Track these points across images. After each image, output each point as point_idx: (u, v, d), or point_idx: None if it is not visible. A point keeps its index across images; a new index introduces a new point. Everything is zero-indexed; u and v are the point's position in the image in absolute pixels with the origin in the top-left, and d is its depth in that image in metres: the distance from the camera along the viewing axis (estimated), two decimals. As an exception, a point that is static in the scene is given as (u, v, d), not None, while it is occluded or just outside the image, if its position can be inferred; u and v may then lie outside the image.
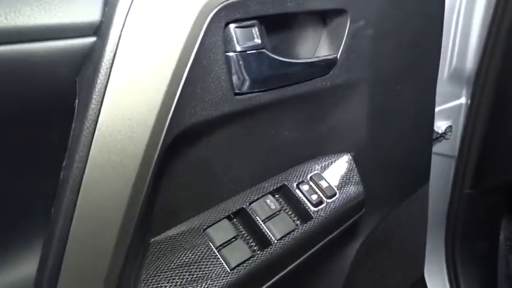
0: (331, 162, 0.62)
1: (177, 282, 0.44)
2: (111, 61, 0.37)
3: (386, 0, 0.59)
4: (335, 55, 0.55)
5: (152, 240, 0.46)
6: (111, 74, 0.38)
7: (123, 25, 0.38)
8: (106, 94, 0.38)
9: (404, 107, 0.67)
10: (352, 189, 0.61)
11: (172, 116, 0.40)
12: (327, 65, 0.55)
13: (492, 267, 1.05)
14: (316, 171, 0.59)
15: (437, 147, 0.93)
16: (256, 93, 0.47)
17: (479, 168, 0.93)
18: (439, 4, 0.67)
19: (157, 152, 0.40)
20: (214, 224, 0.49)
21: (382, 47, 0.60)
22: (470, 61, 0.86)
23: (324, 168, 0.60)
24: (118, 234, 0.39)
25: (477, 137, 0.91)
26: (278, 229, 0.51)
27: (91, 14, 0.37)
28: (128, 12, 0.38)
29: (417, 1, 0.63)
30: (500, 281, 1.04)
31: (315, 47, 0.57)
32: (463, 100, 0.92)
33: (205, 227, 0.49)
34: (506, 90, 0.85)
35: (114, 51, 0.37)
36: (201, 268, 0.46)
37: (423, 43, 0.67)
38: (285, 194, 0.55)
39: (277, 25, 0.52)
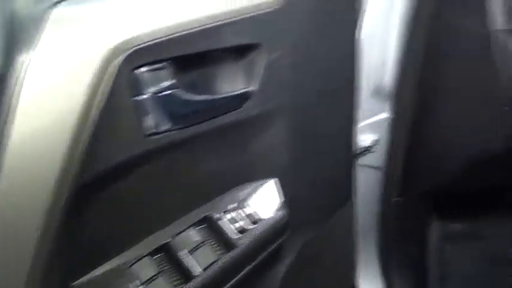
0: (256, 189, 0.64)
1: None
2: (12, 111, 0.38)
3: (300, 32, 0.62)
4: (252, 88, 0.58)
5: (73, 284, 0.46)
6: (14, 125, 0.38)
7: (24, 74, 0.38)
8: (8, 145, 0.38)
9: (324, 129, 0.71)
10: (277, 213, 0.63)
11: (81, 162, 0.41)
12: (244, 98, 0.57)
13: (425, 271, 1.11)
14: (241, 199, 0.61)
15: (364, 160, 0.97)
16: (170, 133, 0.49)
17: (405, 177, 0.99)
18: (352, 30, 0.71)
19: (65, 199, 0.40)
20: (137, 261, 0.50)
21: (299, 76, 0.63)
22: (390, 78, 0.92)
23: (248, 195, 0.62)
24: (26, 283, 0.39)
25: (401, 148, 0.96)
26: (201, 261, 0.52)
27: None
28: (29, 61, 0.39)
29: (331, 30, 0.67)
30: (432, 282, 1.10)
31: (233, 80, 0.59)
32: (386, 114, 0.97)
33: (128, 265, 0.49)
34: (423, 104, 0.91)
35: (15, 102, 0.38)
36: (124, 308, 0.47)
37: (340, 68, 0.71)
38: (209, 224, 0.56)
39: (193, 62, 0.54)
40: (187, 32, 0.50)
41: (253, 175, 0.64)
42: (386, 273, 1.04)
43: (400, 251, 1.07)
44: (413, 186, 1.01)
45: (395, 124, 0.95)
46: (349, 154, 0.80)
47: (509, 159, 0.81)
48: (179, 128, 0.50)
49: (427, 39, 0.82)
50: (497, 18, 0.70)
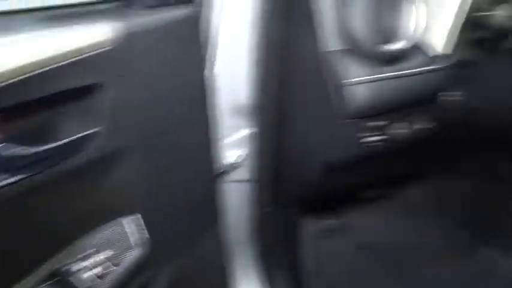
0: (117, 228, 0.62)
1: None
2: None
3: (143, 68, 0.62)
4: (97, 128, 0.56)
5: None
6: None
7: None
8: None
9: (182, 157, 0.72)
10: (140, 250, 0.63)
11: None
12: (89, 140, 0.55)
13: (303, 268, 1.19)
14: (101, 241, 0.60)
15: (233, 175, 1.01)
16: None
17: (275, 186, 1.04)
18: (200, 59, 0.73)
19: None
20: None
21: (146, 112, 0.63)
22: (251, 96, 0.96)
23: (108, 237, 0.61)
24: None
25: (267, 160, 1.01)
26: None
27: None
28: None
29: (177, 62, 0.67)
30: (309, 277, 1.18)
31: (76, 123, 0.56)
32: (251, 129, 1.01)
33: None
34: (282, 119, 0.96)
35: None
36: None
37: (192, 96, 0.72)
38: (62, 277, 0.54)
39: (25, 111, 0.50)
40: (12, 81, 0.47)
41: (113, 214, 0.63)
42: (268, 279, 1.09)
43: (278, 255, 1.12)
44: (283, 194, 1.07)
45: (260, 138, 0.99)
46: (213, 175, 0.82)
47: (355, 165, 0.90)
48: (9, 184, 0.46)
49: (280, 60, 0.88)
50: (329, 40, 0.77)
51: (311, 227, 1.25)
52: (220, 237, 0.85)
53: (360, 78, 0.77)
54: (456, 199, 1.39)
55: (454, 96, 0.87)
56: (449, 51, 0.82)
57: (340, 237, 1.31)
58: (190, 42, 0.70)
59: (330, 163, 0.90)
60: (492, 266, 1.21)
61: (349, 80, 0.77)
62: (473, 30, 0.80)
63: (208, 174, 0.80)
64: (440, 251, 1.29)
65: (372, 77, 0.77)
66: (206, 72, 0.74)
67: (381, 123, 0.82)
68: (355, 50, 0.77)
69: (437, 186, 1.41)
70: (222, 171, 0.94)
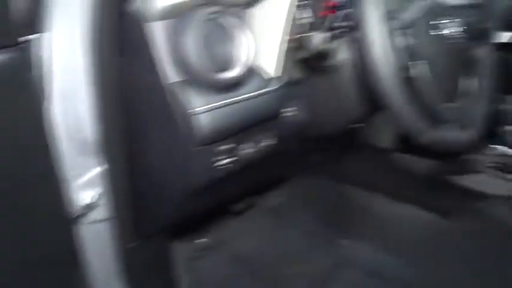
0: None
1: None
2: None
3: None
4: None
5: None
6: None
7: None
8: None
9: (29, 211, 0.67)
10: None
11: None
12: None
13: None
14: None
15: (91, 216, 0.96)
16: None
17: (136, 221, 1.02)
18: (34, 101, 0.68)
19: None
20: None
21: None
22: (95, 133, 0.92)
23: None
24: None
25: (123, 196, 0.98)
26: None
27: None
28: None
29: (5, 113, 0.62)
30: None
31: None
32: (102, 167, 0.97)
33: None
34: (132, 152, 0.94)
35: None
36: None
37: (30, 143, 0.68)
38: None
39: None
40: None
41: None
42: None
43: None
44: (145, 226, 1.05)
45: (111, 174, 0.96)
46: (67, 220, 0.77)
47: (214, 186, 0.93)
48: None
49: (121, 93, 0.86)
50: (168, 71, 0.79)
51: (183, 250, 1.25)
52: (86, 285, 0.81)
53: (203, 107, 0.79)
54: (314, 199, 1.52)
55: (290, 112, 0.95)
56: (279, 73, 0.89)
57: (214, 254, 1.33)
58: (19, 87, 0.66)
59: (187, 189, 0.91)
60: (350, 255, 1.35)
61: (193, 110, 0.79)
62: (297, 52, 0.89)
63: (61, 221, 0.76)
64: (306, 249, 1.40)
65: (214, 104, 0.81)
66: (44, 114, 0.70)
67: (229, 146, 0.86)
68: (193, 80, 0.79)
69: (297, 190, 1.53)
70: (77, 214, 0.89)
